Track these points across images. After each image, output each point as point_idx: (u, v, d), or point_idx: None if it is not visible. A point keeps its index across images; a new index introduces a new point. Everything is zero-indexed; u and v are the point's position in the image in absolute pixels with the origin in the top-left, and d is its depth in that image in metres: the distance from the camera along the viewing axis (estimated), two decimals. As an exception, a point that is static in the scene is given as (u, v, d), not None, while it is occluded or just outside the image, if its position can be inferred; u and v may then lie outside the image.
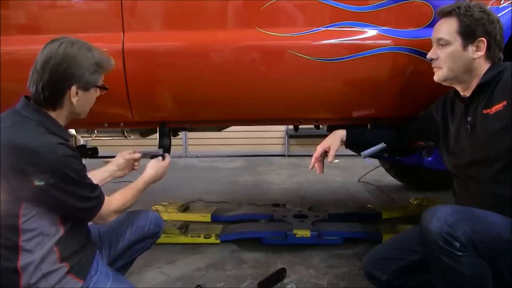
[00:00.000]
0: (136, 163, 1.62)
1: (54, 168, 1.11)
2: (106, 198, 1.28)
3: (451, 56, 1.36)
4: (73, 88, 1.21)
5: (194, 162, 4.75)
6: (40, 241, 1.15)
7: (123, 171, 1.59)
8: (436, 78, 1.42)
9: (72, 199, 1.16)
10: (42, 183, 1.10)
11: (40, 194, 1.12)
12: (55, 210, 1.17)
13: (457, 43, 1.34)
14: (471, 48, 1.34)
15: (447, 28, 1.36)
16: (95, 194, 1.23)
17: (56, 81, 1.19)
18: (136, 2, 1.67)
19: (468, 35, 1.33)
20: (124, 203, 1.36)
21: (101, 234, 1.46)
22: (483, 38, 1.32)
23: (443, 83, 1.42)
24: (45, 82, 1.19)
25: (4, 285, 1.15)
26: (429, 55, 1.41)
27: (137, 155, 1.60)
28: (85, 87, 1.24)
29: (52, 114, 1.22)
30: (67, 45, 1.21)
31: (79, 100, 1.24)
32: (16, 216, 1.13)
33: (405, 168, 3.11)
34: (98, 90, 1.31)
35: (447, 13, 1.37)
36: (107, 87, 1.34)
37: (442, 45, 1.37)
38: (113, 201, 1.33)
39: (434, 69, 1.42)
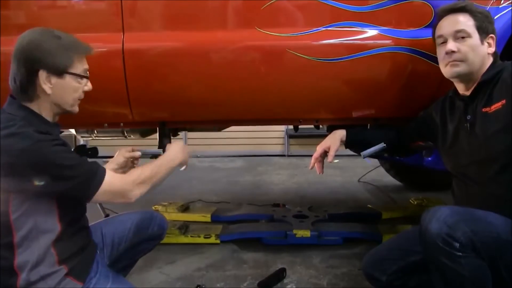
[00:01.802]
0: (136, 161, 1.58)
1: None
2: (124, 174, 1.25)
3: (474, 48, 1.35)
4: (41, 73, 1.17)
5: (194, 162, 4.74)
6: (35, 237, 1.15)
7: (123, 169, 1.54)
8: (455, 71, 1.36)
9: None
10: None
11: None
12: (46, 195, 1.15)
13: (476, 37, 1.35)
14: (486, 43, 1.36)
15: (466, 22, 1.36)
16: (78, 170, 1.15)
17: (23, 67, 1.17)
18: (136, 2, 1.67)
19: (483, 30, 1.35)
20: (140, 173, 1.29)
21: (104, 233, 1.44)
22: (493, 35, 1.36)
23: (455, 79, 1.40)
24: (14, 71, 1.18)
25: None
26: (450, 47, 1.35)
27: (138, 154, 1.57)
28: (56, 73, 1.19)
29: (34, 107, 1.20)
30: (31, 33, 1.21)
31: (54, 88, 1.20)
32: (6, 213, 1.13)
33: (405, 168, 3.11)
34: (78, 79, 1.23)
35: (458, 9, 1.38)
36: (87, 75, 1.26)
37: (462, 38, 1.35)
38: (131, 173, 1.28)
39: (453, 63, 1.36)
